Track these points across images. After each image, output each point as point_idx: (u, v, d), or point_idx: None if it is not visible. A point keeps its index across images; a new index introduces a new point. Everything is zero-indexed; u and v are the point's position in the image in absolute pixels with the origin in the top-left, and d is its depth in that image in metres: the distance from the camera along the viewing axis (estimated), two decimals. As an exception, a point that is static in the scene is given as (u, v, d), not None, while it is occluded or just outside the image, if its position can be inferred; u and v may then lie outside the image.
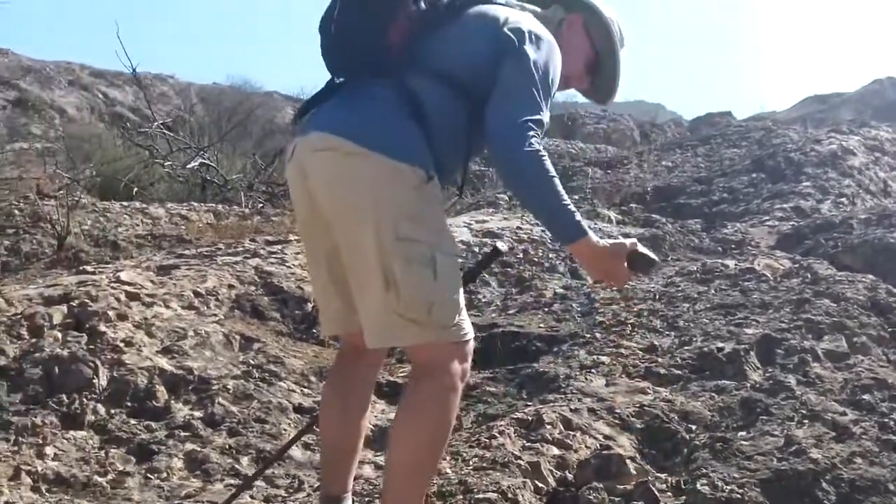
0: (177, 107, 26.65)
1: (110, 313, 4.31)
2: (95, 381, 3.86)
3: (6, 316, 4.09)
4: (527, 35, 2.41)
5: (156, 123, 9.94)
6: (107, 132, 16.69)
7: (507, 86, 2.36)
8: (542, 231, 6.76)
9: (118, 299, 4.44)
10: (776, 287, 5.17)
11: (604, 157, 13.62)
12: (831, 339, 4.37)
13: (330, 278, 2.54)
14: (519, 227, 6.73)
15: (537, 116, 2.33)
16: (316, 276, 2.66)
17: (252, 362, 4.33)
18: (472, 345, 2.43)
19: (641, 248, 2.40)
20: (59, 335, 4.13)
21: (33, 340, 4.05)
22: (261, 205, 8.06)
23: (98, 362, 3.94)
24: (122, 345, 4.13)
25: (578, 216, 2.33)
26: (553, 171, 2.30)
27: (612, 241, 2.42)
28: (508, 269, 6.06)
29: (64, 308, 4.28)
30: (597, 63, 2.72)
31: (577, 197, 9.43)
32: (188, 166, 8.55)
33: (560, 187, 2.31)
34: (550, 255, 6.32)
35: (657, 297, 5.25)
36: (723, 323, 4.69)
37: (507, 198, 8.77)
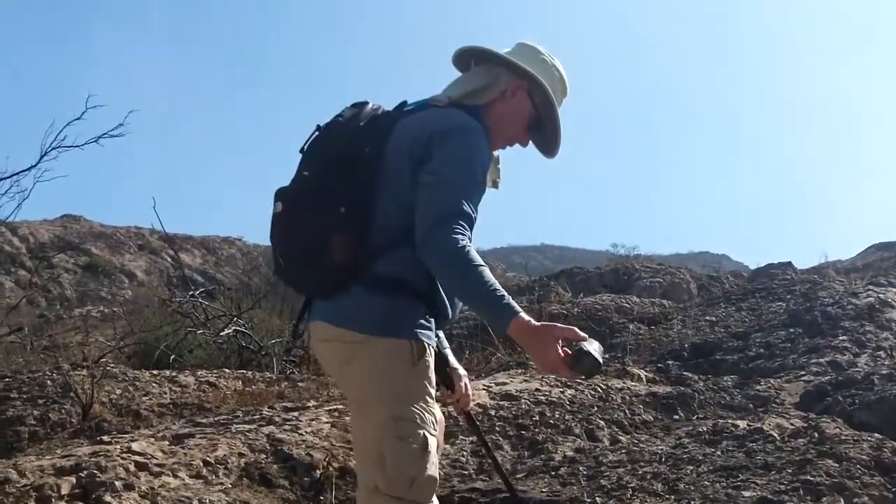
0: (242, 269, 27.63)
1: (117, 483, 4.46)
2: (94, 552, 3.99)
3: (16, 487, 4.27)
4: (439, 138, 2.52)
5: (193, 291, 10.32)
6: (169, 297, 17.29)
7: (425, 191, 2.47)
8: (561, 392, 6.81)
9: (127, 469, 4.61)
10: (781, 448, 5.12)
11: (649, 312, 13.58)
12: (830, 501, 4.31)
13: None
14: (538, 389, 6.78)
15: (459, 210, 2.42)
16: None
17: (253, 531, 4.43)
18: None
19: (587, 346, 2.33)
20: (65, 506, 4.30)
21: (39, 512, 4.21)
22: (290, 370, 8.26)
23: (100, 533, 4.09)
24: (125, 515, 4.28)
25: (508, 299, 2.35)
26: (479, 261, 2.36)
27: (546, 323, 2.40)
28: (524, 433, 6.08)
29: (73, 479, 4.45)
30: (538, 121, 2.86)
31: (609, 355, 9.45)
32: (222, 333, 8.83)
33: (488, 276, 2.36)
34: (567, 417, 6.34)
35: (663, 459, 5.23)
36: (723, 486, 4.65)
37: (535, 358, 8.78)
